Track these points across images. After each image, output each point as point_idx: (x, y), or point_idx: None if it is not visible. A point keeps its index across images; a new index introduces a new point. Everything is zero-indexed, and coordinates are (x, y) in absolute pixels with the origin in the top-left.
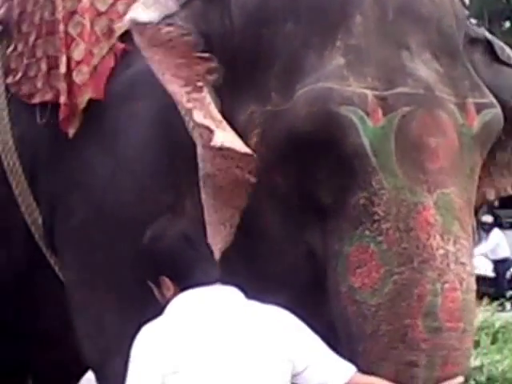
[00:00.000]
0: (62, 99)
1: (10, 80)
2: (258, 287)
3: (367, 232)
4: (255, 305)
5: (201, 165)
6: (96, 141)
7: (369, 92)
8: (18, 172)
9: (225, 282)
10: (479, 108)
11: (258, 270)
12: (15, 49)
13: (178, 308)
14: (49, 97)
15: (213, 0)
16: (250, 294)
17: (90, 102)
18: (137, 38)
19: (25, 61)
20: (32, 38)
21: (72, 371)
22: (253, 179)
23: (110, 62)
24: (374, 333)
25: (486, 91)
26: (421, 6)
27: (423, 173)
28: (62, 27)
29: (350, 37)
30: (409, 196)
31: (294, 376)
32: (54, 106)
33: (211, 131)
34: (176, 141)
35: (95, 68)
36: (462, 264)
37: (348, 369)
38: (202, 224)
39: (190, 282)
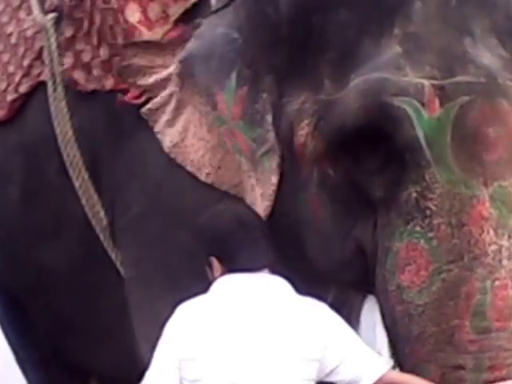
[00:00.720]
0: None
1: (65, 67)
2: (304, 281)
3: (418, 228)
4: (296, 297)
5: None
6: (151, 130)
7: (426, 82)
8: (78, 164)
9: (274, 270)
10: None
11: (306, 263)
12: (69, 36)
13: (215, 293)
14: (109, 84)
15: None
16: (295, 287)
17: None
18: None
19: (79, 47)
20: (85, 25)
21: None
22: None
23: None
24: (421, 334)
25: None
26: None
27: (480, 165)
28: (120, 16)
29: (409, 24)
30: (463, 189)
31: (327, 374)
32: (112, 93)
33: None
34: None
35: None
36: None
37: (382, 364)
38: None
39: (237, 266)
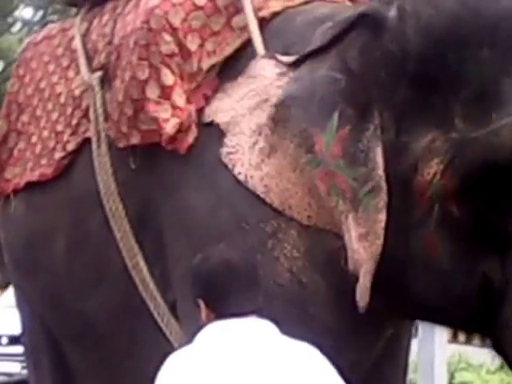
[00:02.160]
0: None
1: (109, 124)
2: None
3: None
4: (286, 341)
5: None
6: (195, 178)
7: None
8: (120, 216)
9: (261, 314)
10: None
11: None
12: (112, 94)
13: (205, 340)
14: (136, 140)
15: (375, 30)
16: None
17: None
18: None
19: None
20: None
21: None
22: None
23: (199, 101)
24: None
25: None
26: None
27: None
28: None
29: None
30: None
31: None
32: (144, 148)
33: None
34: None
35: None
36: None
37: None
38: (250, 254)
39: (224, 310)
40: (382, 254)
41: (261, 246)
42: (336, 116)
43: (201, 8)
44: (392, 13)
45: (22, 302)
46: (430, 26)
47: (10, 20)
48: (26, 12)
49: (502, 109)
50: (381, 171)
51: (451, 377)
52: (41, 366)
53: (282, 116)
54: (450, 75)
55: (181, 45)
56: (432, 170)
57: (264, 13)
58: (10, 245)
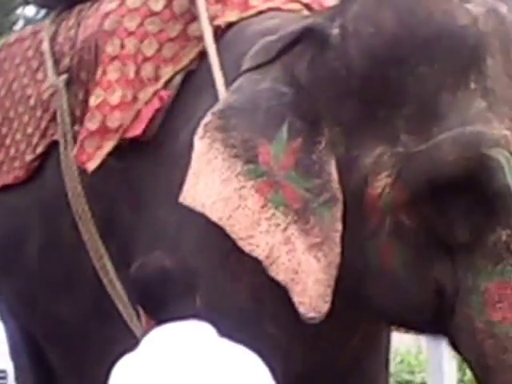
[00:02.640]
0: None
1: (76, 128)
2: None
3: (509, 267)
4: (224, 342)
5: None
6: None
7: (509, 133)
8: (86, 218)
9: (200, 317)
10: None
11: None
12: (77, 97)
13: (149, 345)
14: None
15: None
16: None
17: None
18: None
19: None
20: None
21: None
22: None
23: (155, 106)
24: None
25: None
26: None
27: None
28: (99, 72)
29: (485, 79)
30: None
31: None
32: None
33: None
34: None
35: (139, 112)
36: None
37: None
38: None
39: (161, 317)
40: (339, 263)
41: (223, 261)
42: (285, 128)
43: (157, 14)
44: (335, 30)
45: (1, 302)
46: (371, 45)
47: (12, 18)
48: (28, 10)
49: (442, 122)
50: (336, 183)
51: (463, 373)
52: (22, 366)
53: (220, 125)
54: (393, 92)
55: (136, 48)
56: (381, 183)
57: (219, 21)
58: None
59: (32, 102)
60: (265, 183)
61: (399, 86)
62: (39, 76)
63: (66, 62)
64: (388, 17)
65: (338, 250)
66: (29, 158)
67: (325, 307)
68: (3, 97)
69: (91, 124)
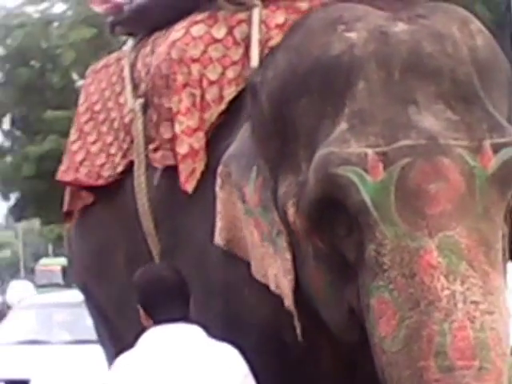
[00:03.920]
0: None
1: (150, 148)
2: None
3: (381, 282)
4: (211, 342)
5: None
6: (199, 206)
7: (369, 150)
8: (152, 233)
9: (189, 320)
10: (497, 148)
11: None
12: (151, 120)
13: (145, 343)
14: (170, 161)
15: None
16: None
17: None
18: None
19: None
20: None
21: None
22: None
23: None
24: (399, 379)
25: (510, 130)
26: (430, 60)
27: (423, 218)
28: (176, 99)
29: (354, 102)
30: (409, 242)
31: None
32: (171, 169)
33: None
34: None
35: (207, 133)
36: (474, 302)
37: None
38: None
39: (157, 317)
40: (297, 287)
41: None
42: (255, 168)
43: (220, 40)
44: (258, 78)
45: (89, 300)
46: (271, 88)
47: None
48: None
49: (319, 149)
50: (276, 216)
51: None
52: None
53: (225, 172)
54: (289, 126)
55: (200, 75)
56: (291, 211)
57: (273, 43)
58: (82, 251)
59: (116, 124)
60: (254, 221)
61: (291, 120)
62: (121, 100)
63: (142, 87)
64: (281, 59)
65: (290, 276)
66: (107, 173)
67: (298, 326)
68: (88, 120)
69: (182, 149)
